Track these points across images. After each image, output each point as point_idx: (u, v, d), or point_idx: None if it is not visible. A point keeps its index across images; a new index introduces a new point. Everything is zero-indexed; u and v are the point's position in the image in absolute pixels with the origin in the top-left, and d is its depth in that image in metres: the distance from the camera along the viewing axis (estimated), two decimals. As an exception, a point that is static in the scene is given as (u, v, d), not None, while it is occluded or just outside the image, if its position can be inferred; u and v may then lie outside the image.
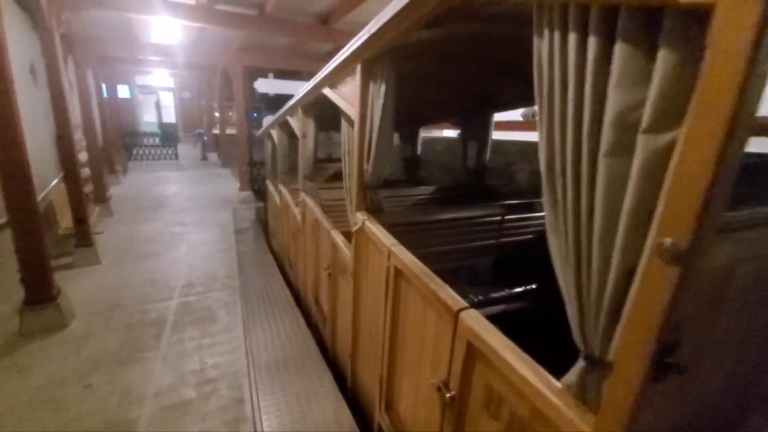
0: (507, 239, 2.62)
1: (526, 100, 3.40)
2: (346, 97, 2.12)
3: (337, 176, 6.13)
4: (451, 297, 1.27)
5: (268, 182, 5.97)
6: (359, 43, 1.80)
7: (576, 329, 0.86)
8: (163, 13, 5.51)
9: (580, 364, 0.86)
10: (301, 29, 6.60)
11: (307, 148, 3.25)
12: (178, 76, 15.81)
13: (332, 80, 2.32)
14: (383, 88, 1.77)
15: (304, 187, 3.40)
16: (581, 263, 0.82)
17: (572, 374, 0.89)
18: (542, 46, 0.89)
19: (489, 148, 4.03)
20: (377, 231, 1.85)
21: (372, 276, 1.98)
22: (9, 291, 3.60)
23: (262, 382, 2.64)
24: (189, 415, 2.36)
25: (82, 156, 6.92)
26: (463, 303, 1.23)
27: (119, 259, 5.37)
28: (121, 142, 11.81)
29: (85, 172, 6.99)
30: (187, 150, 15.70)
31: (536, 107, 0.95)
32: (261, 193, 8.79)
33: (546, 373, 0.97)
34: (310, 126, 3.17)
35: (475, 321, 1.16)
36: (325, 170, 6.24)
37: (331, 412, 2.35)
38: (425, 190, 4.09)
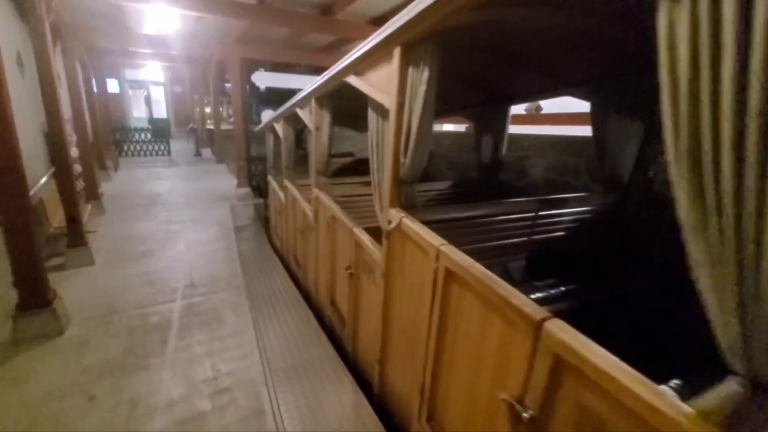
0: (539, 236, 2.49)
1: (545, 92, 3.26)
2: (377, 84, 1.95)
3: (343, 172, 5.97)
4: (529, 304, 1.13)
5: (270, 178, 5.77)
6: (398, 25, 1.63)
7: (731, 345, 0.72)
8: (160, 1, 5.25)
9: (733, 388, 0.73)
10: (301, 20, 6.39)
11: (321, 141, 3.07)
12: (170, 70, 15.39)
13: (359, 67, 2.15)
14: (426, 73, 1.62)
15: (317, 183, 3.23)
16: (745, 268, 0.67)
17: (713, 397, 0.75)
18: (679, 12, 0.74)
19: (505, 143, 3.91)
20: (419, 229, 1.69)
21: (410, 277, 1.83)
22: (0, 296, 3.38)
23: (282, 390, 2.47)
24: (206, 429, 2.19)
25: (73, 152, 6.63)
26: (545, 312, 1.09)
27: (114, 259, 5.13)
28: (111, 138, 11.44)
29: (76, 168, 6.70)
30: (179, 145, 15.32)
31: (663, 85, 0.80)
32: (259, 190, 8.57)
33: (670, 393, 0.83)
34: (325, 118, 2.99)
35: (566, 332, 1.01)
36: (330, 165, 6.08)
37: (360, 421, 2.20)
38: (438, 186, 3.95)
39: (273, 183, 5.55)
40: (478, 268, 1.35)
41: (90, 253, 4.92)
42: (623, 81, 2.72)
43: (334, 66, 2.46)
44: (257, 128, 6.55)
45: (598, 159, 2.97)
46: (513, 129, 4.84)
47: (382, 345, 2.20)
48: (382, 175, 2.04)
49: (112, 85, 14.64)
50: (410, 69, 1.70)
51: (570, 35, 2.13)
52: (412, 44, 1.67)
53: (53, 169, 6.60)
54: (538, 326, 1.07)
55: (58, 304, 3.29)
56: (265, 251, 5.59)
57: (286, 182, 4.49)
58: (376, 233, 2.19)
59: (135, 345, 3.06)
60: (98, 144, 8.94)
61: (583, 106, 3.25)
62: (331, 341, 3.08)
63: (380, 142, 2.03)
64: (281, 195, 4.97)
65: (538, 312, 1.09)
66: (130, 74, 16.12)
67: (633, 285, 2.29)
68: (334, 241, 2.87)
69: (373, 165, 2.14)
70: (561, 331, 1.02)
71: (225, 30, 7.40)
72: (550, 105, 5.11)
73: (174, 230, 6.42)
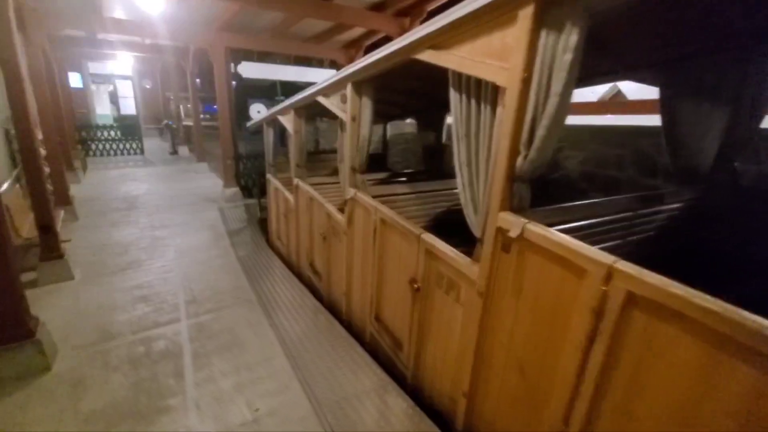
0: (635, 237, 2.18)
1: (607, 75, 2.95)
2: (481, 57, 1.55)
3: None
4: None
5: (270, 177, 5.26)
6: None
7: None
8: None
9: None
10: (296, 4, 5.86)
11: (360, 134, 2.64)
12: (139, 63, 14.30)
13: (443, 38, 1.75)
14: (574, 37, 1.24)
15: (353, 182, 2.80)
16: None
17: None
18: None
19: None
20: (563, 241, 1.32)
21: (537, 299, 1.46)
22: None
23: (342, 433, 2.05)
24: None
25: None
26: None
27: (95, 271, 4.51)
28: (77, 136, 10.44)
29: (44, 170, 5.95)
30: (153, 144, 14.27)
31: None
32: (249, 190, 7.99)
33: None
34: (366, 107, 2.56)
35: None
36: (325, 163, 5.63)
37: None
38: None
39: (275, 182, 5.05)
40: (692, 294, 0.99)
41: (68, 266, 4.29)
42: (698, 61, 2.45)
43: (394, 42, 2.05)
44: (250, 123, 5.99)
45: (669, 150, 2.69)
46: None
47: (473, 376, 1.82)
48: (478, 171, 1.66)
49: (75, 80, 13.46)
50: (544, 34, 1.32)
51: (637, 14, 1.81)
52: (552, 0, 1.28)
53: (16, 171, 5.84)
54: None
55: (42, 332, 2.73)
56: (267, 257, 5.09)
57: (298, 182, 4.02)
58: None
59: (144, 380, 2.55)
60: (65, 143, 8.08)
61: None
62: (376, 362, 2.68)
63: (477, 130, 1.64)
64: (288, 196, 4.49)
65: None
66: (93, 67, 14.85)
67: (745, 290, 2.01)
68: (385, 249, 2.46)
69: (460, 158, 1.76)
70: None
71: (208, 16, 6.75)
72: (581, 93, 4.84)
73: (160, 236, 5.79)
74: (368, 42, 8.31)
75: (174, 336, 3.12)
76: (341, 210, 3.12)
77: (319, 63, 10.92)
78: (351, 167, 2.77)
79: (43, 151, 6.02)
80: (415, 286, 2.13)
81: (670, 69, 2.58)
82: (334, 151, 6.59)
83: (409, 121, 7.01)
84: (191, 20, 6.79)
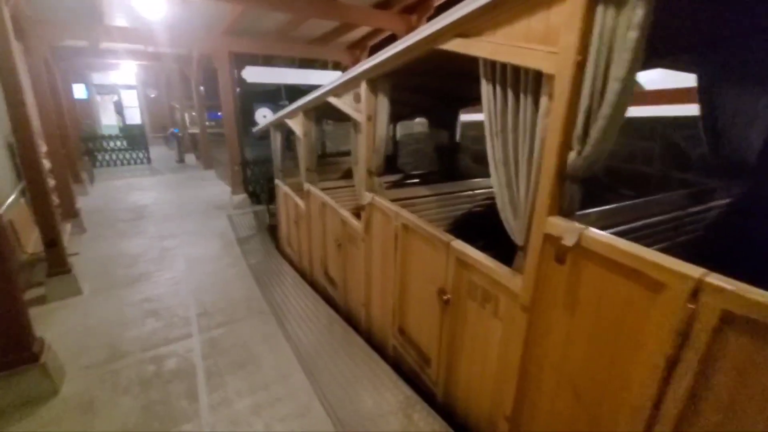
0: (683, 237, 1.98)
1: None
2: (521, 42, 1.38)
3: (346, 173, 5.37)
4: None
5: (279, 182, 5.11)
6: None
7: None
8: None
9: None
10: (301, 4, 5.72)
11: (376, 135, 2.47)
12: (143, 72, 14.28)
13: (474, 24, 1.57)
14: (640, 12, 1.06)
15: (370, 186, 2.63)
16: None
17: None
18: None
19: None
20: (634, 250, 1.14)
21: (595, 314, 1.27)
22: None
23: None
24: None
25: (44, 164, 5.80)
26: None
27: (104, 285, 4.39)
28: (83, 147, 10.41)
29: (49, 183, 5.87)
30: (159, 152, 14.24)
31: None
32: (257, 196, 7.86)
33: None
34: (383, 106, 2.40)
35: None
36: (334, 166, 5.48)
37: None
38: (478, 185, 3.37)
39: (284, 188, 4.90)
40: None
41: (75, 281, 4.18)
42: (739, 43, 2.25)
43: (413, 34, 1.88)
44: (257, 128, 5.85)
45: (708, 142, 2.49)
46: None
47: (517, 399, 1.64)
48: (518, 170, 1.48)
49: (79, 91, 13.47)
50: (601, 10, 1.14)
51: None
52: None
53: (21, 185, 5.75)
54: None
55: (48, 355, 2.59)
56: (278, 265, 4.94)
57: (309, 187, 3.86)
58: None
59: (155, 403, 2.40)
60: (70, 155, 8.02)
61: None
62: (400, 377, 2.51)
63: (516, 125, 1.46)
64: (298, 201, 4.33)
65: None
66: (97, 78, 14.88)
67: None
68: (408, 257, 2.29)
69: (496, 156, 1.58)
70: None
71: (211, 21, 6.64)
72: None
73: (169, 247, 5.67)
74: (372, 42, 8.15)
75: (186, 353, 2.97)
76: (356, 215, 2.96)
77: (323, 65, 10.80)
78: (367, 170, 2.60)
79: (47, 164, 5.94)
80: (445, 297, 1.95)
81: (708, 53, 2.37)
82: (342, 154, 6.44)
83: (418, 120, 6.84)
84: (194, 25, 6.69)
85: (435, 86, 3.37)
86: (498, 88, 1.51)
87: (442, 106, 4.30)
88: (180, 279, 4.57)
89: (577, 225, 1.28)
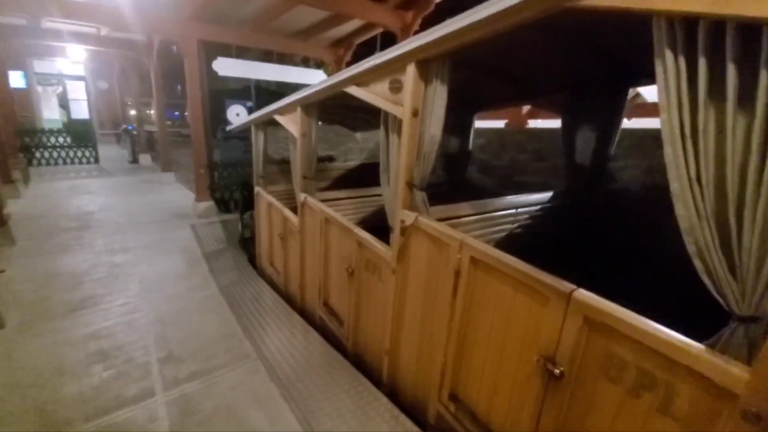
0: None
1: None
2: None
3: (340, 182, 4.75)
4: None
5: (259, 190, 4.38)
6: None
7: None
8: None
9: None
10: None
11: (428, 136, 1.86)
12: (93, 60, 12.77)
13: None
14: None
15: (410, 204, 2.01)
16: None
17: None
18: None
19: (616, 138, 2.97)
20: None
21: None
22: None
23: None
24: None
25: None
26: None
27: (36, 316, 3.49)
28: (18, 143, 9.01)
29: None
30: (109, 151, 12.77)
31: None
32: (225, 203, 7.01)
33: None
34: (439, 97, 1.80)
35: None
36: (325, 173, 4.81)
37: None
38: (518, 202, 2.81)
39: (267, 197, 4.17)
40: None
41: (-4, 312, 3.26)
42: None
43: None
44: (232, 126, 5.09)
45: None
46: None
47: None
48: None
49: (16, 79, 11.86)
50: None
51: None
52: None
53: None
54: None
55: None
56: (256, 287, 4.20)
57: (306, 197, 3.18)
58: None
59: None
60: (2, 151, 6.81)
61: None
62: None
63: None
64: (287, 214, 3.64)
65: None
66: (40, 66, 13.21)
67: None
68: (477, 301, 1.69)
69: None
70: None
71: (177, 2, 5.79)
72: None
73: (120, 263, 4.76)
74: (360, 39, 7.58)
75: (148, 422, 2.20)
76: (378, 236, 2.33)
77: (305, 63, 10.07)
78: (407, 182, 1.98)
79: (-33, 161, 4.87)
80: (558, 370, 1.36)
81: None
82: (332, 159, 5.78)
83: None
84: (156, 5, 5.80)
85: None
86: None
87: (457, 106, 3.77)
88: (135, 306, 3.73)
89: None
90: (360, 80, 2.20)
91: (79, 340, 3.13)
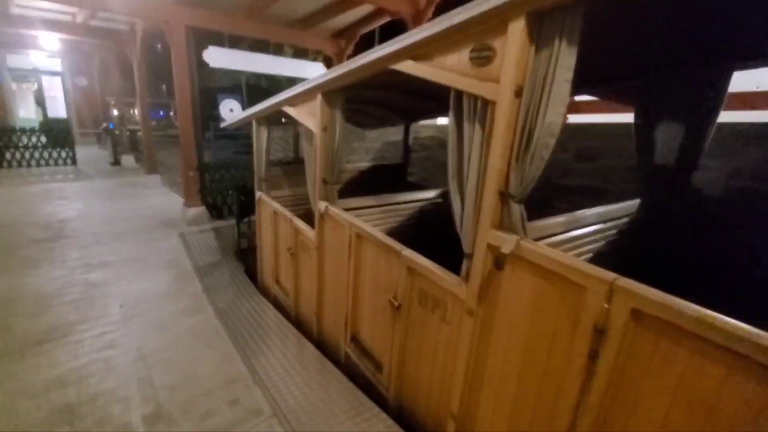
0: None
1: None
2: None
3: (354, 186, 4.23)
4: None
5: (262, 196, 3.75)
6: None
7: None
8: None
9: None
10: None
11: (545, 119, 1.26)
12: (71, 54, 11.84)
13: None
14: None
15: (508, 224, 1.41)
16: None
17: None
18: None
19: (711, 133, 2.42)
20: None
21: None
22: None
23: None
24: None
25: None
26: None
27: (-10, 352, 2.81)
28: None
29: None
30: (88, 152, 11.87)
31: None
32: (218, 208, 6.34)
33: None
34: (564, 63, 1.20)
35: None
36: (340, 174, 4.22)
37: None
38: (595, 216, 2.23)
39: (272, 204, 3.55)
40: None
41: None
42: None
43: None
44: (227, 123, 4.44)
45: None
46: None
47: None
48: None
49: (-15, 74, 10.93)
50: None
51: None
52: None
53: None
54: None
55: None
56: (260, 311, 3.57)
57: (328, 208, 2.56)
58: None
59: None
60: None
61: None
62: None
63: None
64: (301, 226, 3.02)
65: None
66: (12, 60, 12.24)
67: None
68: (637, 377, 1.10)
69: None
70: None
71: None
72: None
73: (97, 282, 4.08)
74: (364, 30, 6.98)
75: None
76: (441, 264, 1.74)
77: (303, 55, 9.42)
78: (499, 192, 1.38)
79: None
80: None
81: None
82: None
83: (423, 123, 5.68)
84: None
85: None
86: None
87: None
88: (114, 339, 3.08)
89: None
90: (420, 51, 1.59)
91: (40, 389, 2.47)
